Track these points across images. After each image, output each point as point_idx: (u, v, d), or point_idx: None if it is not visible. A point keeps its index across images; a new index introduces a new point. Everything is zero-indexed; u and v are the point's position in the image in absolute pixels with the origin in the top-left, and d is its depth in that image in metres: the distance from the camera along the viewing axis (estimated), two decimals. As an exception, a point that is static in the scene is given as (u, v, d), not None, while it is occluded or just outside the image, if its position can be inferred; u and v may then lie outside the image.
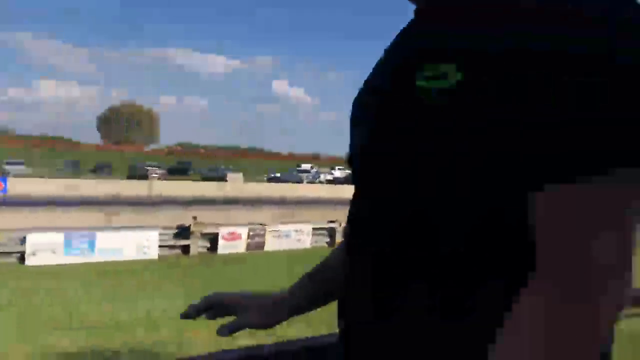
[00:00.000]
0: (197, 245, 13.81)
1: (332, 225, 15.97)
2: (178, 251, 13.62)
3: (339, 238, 15.70)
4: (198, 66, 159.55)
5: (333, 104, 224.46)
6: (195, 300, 0.75)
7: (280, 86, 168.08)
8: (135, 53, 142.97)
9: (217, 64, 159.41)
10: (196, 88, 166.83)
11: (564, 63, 0.41)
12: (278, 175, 44.54)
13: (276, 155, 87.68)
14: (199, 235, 13.79)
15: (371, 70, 0.61)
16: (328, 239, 15.83)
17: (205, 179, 36.17)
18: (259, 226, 14.78)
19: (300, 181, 40.75)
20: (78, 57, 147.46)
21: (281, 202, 25.16)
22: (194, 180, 35.47)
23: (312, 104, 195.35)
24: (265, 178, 43.85)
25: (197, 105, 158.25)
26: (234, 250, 13.86)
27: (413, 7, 0.57)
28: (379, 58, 0.60)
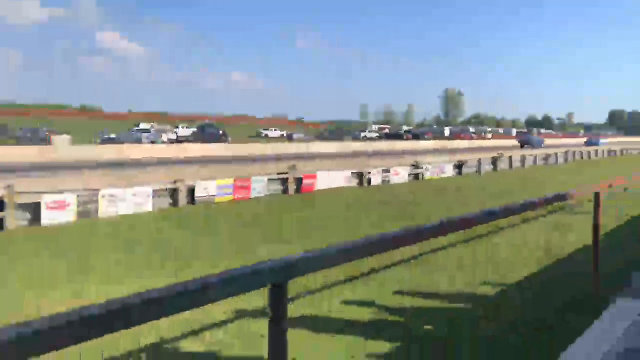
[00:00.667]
0: (14, 219, 12.06)
1: (175, 186, 15.29)
2: (-11, 227, 11.77)
3: (183, 199, 15.16)
4: (9, 13, 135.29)
5: (173, 59, 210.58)
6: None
7: (110, 39, 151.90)
8: None
9: (32, 11, 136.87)
10: (8, 39, 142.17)
11: None
12: (113, 136, 41.03)
13: (113, 115, 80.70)
14: (15, 206, 12.03)
15: None
16: (171, 201, 15.16)
17: (23, 142, 31.66)
18: (90, 191, 13.43)
19: (139, 141, 38.21)
20: None
21: (117, 164, 23.38)
22: (9, 144, 30.91)
23: (149, 58, 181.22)
24: (98, 140, 40.17)
25: (10, 58, 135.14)
26: (63, 220, 12.46)
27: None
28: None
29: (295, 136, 65.64)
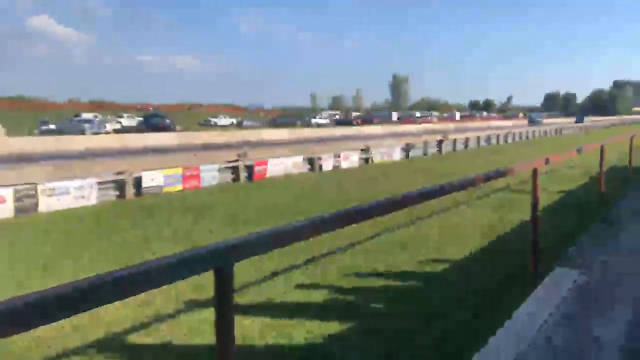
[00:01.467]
0: (-58, 217, 11.23)
1: (120, 177, 14.72)
2: None
3: (130, 190, 14.62)
4: None
5: (114, 45, 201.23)
6: None
7: (44, 23, 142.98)
8: None
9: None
10: None
11: None
12: (52, 127, 38.96)
13: (51, 105, 76.58)
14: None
15: None
16: (117, 192, 14.59)
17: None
18: (28, 185, 12.69)
19: (82, 132, 36.49)
20: None
21: (58, 156, 22.22)
22: None
23: (88, 44, 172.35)
24: (36, 131, 38.07)
25: None
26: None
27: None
28: None
29: (245, 123, 64.76)
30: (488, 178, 3.11)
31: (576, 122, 79.85)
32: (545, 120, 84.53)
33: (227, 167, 18.46)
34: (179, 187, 15.97)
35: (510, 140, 41.80)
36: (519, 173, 3.58)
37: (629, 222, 5.71)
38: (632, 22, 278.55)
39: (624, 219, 5.83)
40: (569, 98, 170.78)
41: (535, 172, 3.61)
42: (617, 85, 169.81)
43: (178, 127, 44.88)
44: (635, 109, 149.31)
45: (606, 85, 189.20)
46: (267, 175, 19.20)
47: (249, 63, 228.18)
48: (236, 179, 18.39)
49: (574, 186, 12.51)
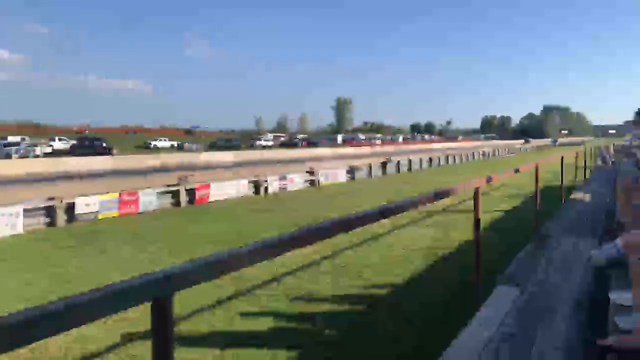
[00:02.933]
0: None
1: (51, 203, 13.83)
2: None
3: (61, 217, 13.77)
4: None
5: (47, 64, 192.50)
6: None
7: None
8: None
9: None
10: None
11: None
12: (-26, 151, 36.23)
13: (-28, 127, 71.42)
14: None
15: None
16: (47, 220, 13.68)
17: None
18: (-55, 215, 11.64)
19: (8, 156, 34.22)
20: None
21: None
22: None
23: (18, 63, 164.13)
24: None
25: None
26: None
27: None
28: None
29: (186, 146, 63.35)
30: (434, 198, 3.14)
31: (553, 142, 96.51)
32: (481, 142, 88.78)
33: (167, 192, 17.87)
34: (115, 212, 15.23)
35: (451, 161, 43.51)
36: (463, 192, 3.66)
37: (560, 237, 5.99)
38: (559, 54, 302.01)
39: (556, 235, 6.12)
40: (504, 121, 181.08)
41: (477, 191, 3.70)
42: (547, 109, 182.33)
43: (115, 151, 43.16)
44: (563, 132, 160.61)
45: (537, 109, 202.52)
46: (210, 199, 18.75)
47: (192, 86, 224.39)
48: (177, 203, 17.82)
49: (512, 205, 13.09)
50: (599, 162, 24.09)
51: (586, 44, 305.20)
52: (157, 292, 1.21)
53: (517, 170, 5.41)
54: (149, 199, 16.62)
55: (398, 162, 34.13)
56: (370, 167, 30.32)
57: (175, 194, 17.95)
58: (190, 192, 18.36)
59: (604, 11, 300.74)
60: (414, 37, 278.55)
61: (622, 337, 2.42)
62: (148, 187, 17.49)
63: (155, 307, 1.22)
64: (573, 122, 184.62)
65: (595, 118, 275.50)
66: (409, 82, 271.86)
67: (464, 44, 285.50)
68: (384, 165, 32.07)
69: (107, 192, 15.64)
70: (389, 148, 61.01)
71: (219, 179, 20.76)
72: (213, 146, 61.54)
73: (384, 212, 2.50)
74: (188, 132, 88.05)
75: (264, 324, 5.28)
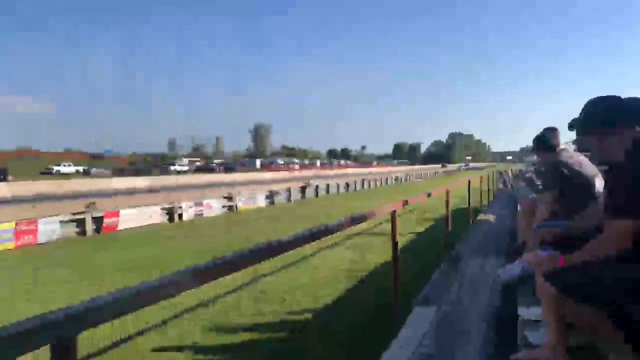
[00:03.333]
0: None
1: None
2: None
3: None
4: None
5: None
6: None
7: None
8: None
9: None
10: None
11: None
12: None
13: None
14: None
15: None
16: None
17: None
18: None
19: None
20: None
21: None
22: None
23: None
24: None
25: None
26: None
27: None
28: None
29: (94, 171, 59.56)
30: (354, 221, 3.17)
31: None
32: (397, 168, 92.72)
33: (71, 220, 16.58)
34: (11, 245, 13.80)
35: (366, 186, 44.84)
36: (379, 215, 3.75)
37: (469, 258, 6.33)
38: (466, 85, 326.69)
39: (466, 256, 6.46)
40: (415, 147, 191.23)
41: (394, 214, 3.81)
42: (452, 136, 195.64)
43: (10, 177, 39.42)
44: (467, 157, 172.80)
45: (443, 136, 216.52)
46: (120, 227, 17.68)
47: (98, 106, 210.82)
48: (83, 232, 16.59)
49: (425, 227, 13.69)
50: (500, 186, 26.08)
51: (488, 77, 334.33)
52: (57, 334, 1.06)
53: (429, 195, 5.67)
54: (50, 227, 15.30)
55: (317, 186, 34.58)
56: (290, 192, 30.40)
57: (81, 222, 16.70)
58: (98, 220, 17.19)
59: (492, 49, 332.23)
60: (327, 69, 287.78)
61: (532, 351, 2.55)
62: (50, 216, 16.12)
63: (55, 352, 1.07)
64: (476, 149, 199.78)
65: (495, 145, 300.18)
66: (325, 108, 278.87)
67: (377, 76, 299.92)
68: (303, 189, 32.32)
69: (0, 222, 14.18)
70: (307, 173, 61.73)
71: (129, 206, 19.66)
72: (122, 171, 58.38)
73: (313, 235, 2.48)
74: (96, 156, 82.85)
75: (180, 359, 4.98)
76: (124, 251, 12.68)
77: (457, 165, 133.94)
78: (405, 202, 4.20)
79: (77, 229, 16.58)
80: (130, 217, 18.30)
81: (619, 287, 1.98)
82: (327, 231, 2.72)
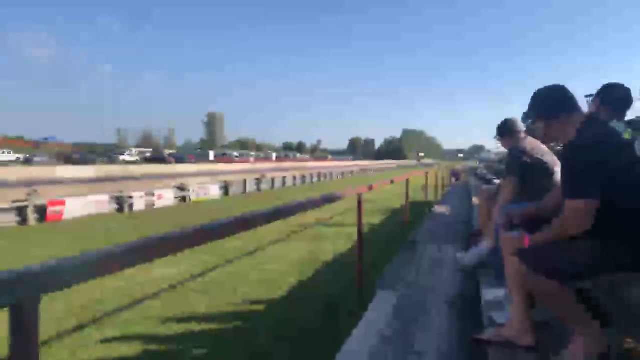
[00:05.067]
0: None
1: None
2: None
3: None
4: None
5: None
6: None
7: None
8: None
9: None
10: None
11: None
12: None
13: None
14: None
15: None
16: None
17: None
18: None
19: None
20: None
21: None
22: None
23: None
24: None
25: None
26: None
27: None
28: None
29: (37, 159, 56.49)
30: (319, 203, 3.11)
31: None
32: (352, 163, 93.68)
33: (10, 208, 15.63)
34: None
35: (322, 179, 45.04)
36: (349, 196, 3.71)
37: (427, 243, 6.45)
38: (418, 83, 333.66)
39: (424, 243, 6.57)
40: (369, 143, 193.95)
41: (360, 197, 3.79)
42: (406, 132, 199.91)
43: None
44: (421, 154, 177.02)
45: (397, 133, 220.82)
46: (66, 217, 16.84)
47: (40, 92, 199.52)
48: (24, 221, 15.68)
49: (380, 219, 13.85)
50: (453, 180, 26.87)
51: (437, 75, 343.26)
52: (18, 294, 0.94)
53: (392, 181, 5.71)
54: (-15, 217, 14.36)
55: (273, 178, 34.35)
56: (245, 183, 30.03)
57: (22, 211, 15.79)
58: (41, 209, 16.29)
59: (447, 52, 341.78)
60: (286, 61, 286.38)
61: (498, 329, 2.60)
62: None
63: (14, 315, 0.94)
64: (428, 146, 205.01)
65: (446, 142, 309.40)
66: (282, 102, 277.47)
67: (331, 70, 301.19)
68: (259, 181, 32.01)
69: None
70: (263, 165, 61.19)
71: (75, 195, 18.78)
72: (67, 160, 55.71)
73: (275, 214, 2.39)
74: (38, 144, 78.61)
75: (129, 350, 4.76)
76: (67, 243, 12.07)
77: (413, 161, 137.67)
78: (370, 187, 4.19)
79: (18, 218, 15.65)
80: (77, 206, 17.47)
81: (582, 263, 2.04)
82: (296, 208, 2.66)
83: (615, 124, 2.10)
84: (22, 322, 0.94)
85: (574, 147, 2.08)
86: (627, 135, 2.03)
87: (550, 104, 2.22)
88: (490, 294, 3.35)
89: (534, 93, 2.31)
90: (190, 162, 58.34)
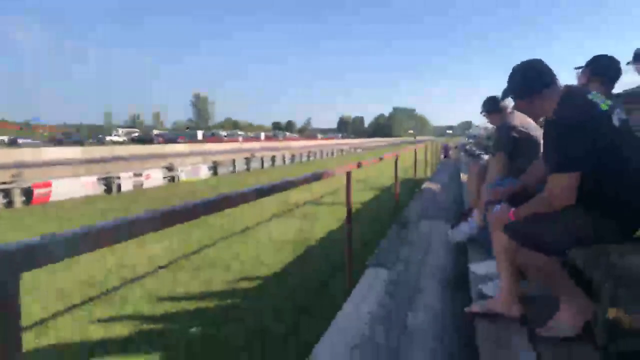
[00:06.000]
0: None
1: None
2: None
3: None
4: None
5: None
6: None
7: None
8: None
9: None
10: None
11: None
12: None
13: None
14: None
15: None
16: None
17: None
18: None
19: None
20: None
21: None
22: None
23: None
24: None
25: None
26: None
27: None
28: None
29: (21, 141, 55.64)
30: (308, 180, 3.09)
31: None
32: (345, 141, 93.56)
33: (-4, 191, 15.44)
34: None
35: (312, 157, 44.94)
36: (338, 173, 3.69)
37: (417, 222, 6.48)
38: (409, 61, 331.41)
39: (413, 220, 6.60)
40: (358, 121, 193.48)
41: (349, 175, 3.77)
42: (395, 110, 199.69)
43: None
44: (410, 131, 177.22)
45: (387, 110, 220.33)
46: (53, 199, 16.67)
47: (25, 73, 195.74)
48: (9, 204, 15.50)
49: (370, 196, 13.89)
50: (442, 157, 26.95)
51: (428, 55, 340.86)
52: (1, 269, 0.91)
53: (381, 158, 5.70)
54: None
55: (262, 157, 34.20)
56: (234, 163, 29.87)
57: (7, 194, 15.59)
58: (27, 191, 16.11)
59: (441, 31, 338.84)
60: (273, 38, 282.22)
61: (487, 302, 2.63)
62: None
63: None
64: (417, 123, 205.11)
65: (435, 119, 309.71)
66: (270, 81, 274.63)
67: (323, 50, 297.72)
68: (248, 161, 31.86)
69: None
70: (251, 145, 60.87)
71: (61, 177, 18.57)
72: (54, 142, 54.95)
73: (264, 191, 2.37)
74: (25, 125, 77.29)
75: (121, 329, 4.77)
76: (53, 225, 11.97)
77: (408, 138, 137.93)
78: (359, 164, 4.18)
79: (4, 200, 15.47)
80: (64, 188, 17.28)
81: (567, 235, 2.06)
82: (284, 187, 2.64)
83: (593, 95, 2.08)
84: (3, 301, 0.92)
85: (554, 122, 2.07)
86: (604, 107, 2.02)
87: (528, 83, 2.17)
88: (479, 268, 3.39)
89: (511, 72, 2.25)
90: (181, 143, 57.77)
